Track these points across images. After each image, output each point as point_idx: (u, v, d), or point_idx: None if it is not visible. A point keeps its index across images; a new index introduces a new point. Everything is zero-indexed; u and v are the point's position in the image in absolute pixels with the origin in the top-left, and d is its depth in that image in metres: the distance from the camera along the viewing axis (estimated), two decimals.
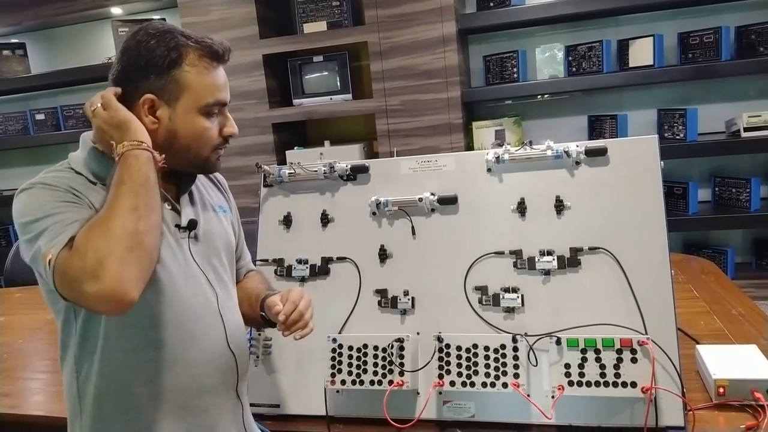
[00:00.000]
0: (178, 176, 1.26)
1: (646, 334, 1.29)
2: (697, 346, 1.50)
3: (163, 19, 4.17)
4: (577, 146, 1.42)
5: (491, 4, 3.53)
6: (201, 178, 1.34)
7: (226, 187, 1.46)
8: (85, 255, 0.98)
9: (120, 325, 1.14)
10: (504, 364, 1.32)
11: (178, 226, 1.22)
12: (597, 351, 1.28)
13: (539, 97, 3.71)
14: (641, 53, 3.35)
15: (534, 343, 1.33)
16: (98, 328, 1.14)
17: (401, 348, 1.38)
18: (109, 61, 4.21)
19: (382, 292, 1.49)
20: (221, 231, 1.34)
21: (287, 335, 1.27)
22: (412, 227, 1.51)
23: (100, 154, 1.17)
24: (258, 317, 1.36)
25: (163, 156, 1.14)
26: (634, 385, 1.24)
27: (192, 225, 1.24)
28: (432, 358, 1.37)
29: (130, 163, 1.07)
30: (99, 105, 1.14)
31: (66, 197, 1.09)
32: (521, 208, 1.44)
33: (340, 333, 1.47)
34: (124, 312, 1.01)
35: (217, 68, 1.21)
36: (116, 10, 4.21)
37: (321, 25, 3.68)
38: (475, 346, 1.35)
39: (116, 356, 1.15)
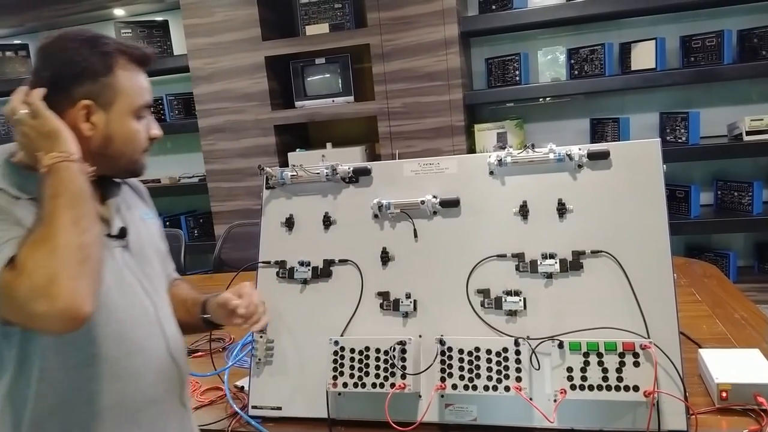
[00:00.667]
0: (101, 185, 1.23)
1: (649, 337, 1.29)
2: (700, 350, 1.50)
3: (166, 21, 4.18)
4: (580, 149, 1.42)
5: (493, 7, 3.53)
6: (122, 188, 1.31)
7: (147, 194, 1.43)
8: (33, 273, 0.95)
9: (59, 343, 1.09)
10: (506, 368, 1.32)
11: (108, 235, 1.19)
12: (599, 355, 1.27)
13: (541, 99, 3.72)
14: (643, 56, 3.35)
15: (536, 346, 1.33)
16: (36, 348, 1.09)
17: (403, 351, 1.38)
18: None
19: (384, 295, 1.49)
20: (150, 238, 1.32)
21: (246, 327, 1.33)
22: (414, 230, 1.51)
23: (18, 166, 1.12)
24: (198, 321, 1.37)
25: (94, 168, 1.13)
26: (636, 389, 1.24)
27: (123, 233, 1.21)
28: (434, 361, 1.36)
29: (64, 174, 1.04)
30: (25, 111, 1.09)
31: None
32: (523, 211, 1.44)
33: (342, 335, 1.47)
34: (78, 329, 0.98)
35: (142, 72, 1.21)
36: (119, 12, 4.23)
37: (323, 28, 3.68)
38: (478, 349, 1.35)
39: (56, 375, 1.10)
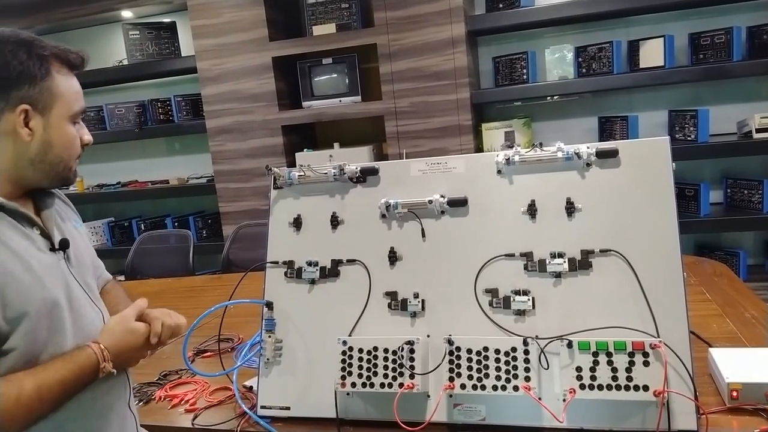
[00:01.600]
0: (34, 196, 1.21)
1: (658, 337, 1.28)
2: (710, 349, 1.49)
3: (173, 23, 4.20)
4: (588, 148, 1.41)
5: (500, 6, 3.53)
6: (54, 199, 1.28)
7: (67, 199, 1.39)
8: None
9: (25, 356, 1.09)
10: (515, 367, 1.32)
11: (51, 249, 1.18)
12: (609, 354, 1.27)
13: (549, 98, 3.71)
14: (652, 54, 3.34)
15: (545, 346, 1.33)
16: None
17: (411, 350, 1.38)
18: (121, 63, 4.26)
19: (392, 295, 1.49)
20: (85, 247, 1.32)
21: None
22: (422, 229, 1.51)
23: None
24: None
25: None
26: (646, 388, 1.23)
27: (64, 245, 1.20)
28: (442, 360, 1.36)
29: (89, 378, 1.12)
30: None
31: None
32: (531, 210, 1.43)
33: (350, 335, 1.47)
34: None
35: (74, 76, 1.19)
36: (127, 14, 4.25)
37: (330, 28, 3.69)
38: (486, 348, 1.34)
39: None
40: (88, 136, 1.22)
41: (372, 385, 1.38)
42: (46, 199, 1.23)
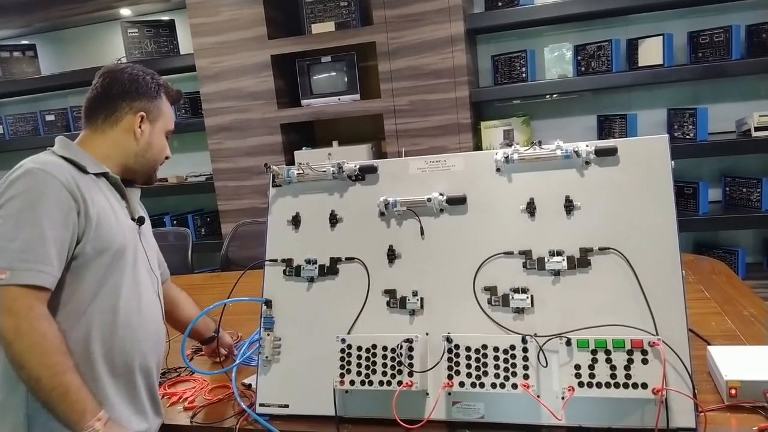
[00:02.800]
0: (126, 184, 1.52)
1: (657, 335, 1.28)
2: (709, 347, 1.49)
3: (172, 21, 4.20)
4: (587, 146, 1.41)
5: (499, 4, 3.53)
6: (138, 191, 1.59)
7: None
8: (38, 335, 1.21)
9: (95, 289, 1.34)
10: (514, 365, 1.32)
11: (132, 219, 1.48)
12: (607, 352, 1.27)
13: (548, 96, 3.70)
14: (651, 52, 3.34)
15: (544, 343, 1.33)
16: (83, 292, 1.33)
17: (410, 348, 1.38)
18: (119, 62, 4.25)
19: (390, 293, 1.49)
20: (151, 235, 1.60)
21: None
22: (421, 227, 1.51)
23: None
24: (201, 334, 1.77)
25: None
26: (644, 386, 1.23)
27: (141, 221, 1.51)
28: (441, 358, 1.36)
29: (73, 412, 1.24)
30: None
31: (62, 209, 1.28)
32: (530, 209, 1.43)
33: (349, 333, 1.47)
34: None
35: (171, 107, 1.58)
36: (125, 12, 4.24)
37: (329, 26, 3.68)
38: (485, 346, 1.34)
39: (82, 318, 1.32)
40: (169, 152, 1.58)
41: (371, 383, 1.38)
42: (135, 189, 1.56)
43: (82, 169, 1.38)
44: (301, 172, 1.61)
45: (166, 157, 1.57)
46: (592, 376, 1.26)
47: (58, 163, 1.35)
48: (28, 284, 1.21)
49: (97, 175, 1.41)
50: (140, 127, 1.48)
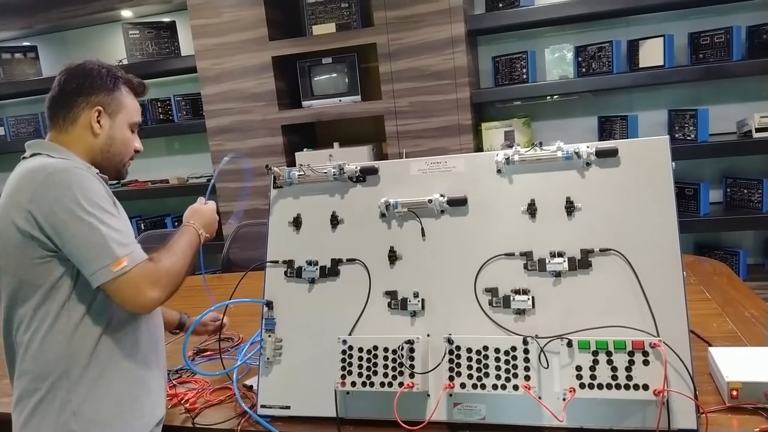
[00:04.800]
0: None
1: (658, 336, 1.28)
2: (710, 348, 1.49)
3: (173, 22, 4.20)
4: (588, 147, 1.41)
5: (500, 5, 3.52)
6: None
7: None
8: (170, 268, 1.38)
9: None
10: (515, 366, 1.32)
11: None
12: (608, 353, 1.27)
13: (549, 98, 3.70)
14: (651, 54, 3.34)
15: (545, 345, 1.33)
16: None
17: (411, 350, 1.38)
18: (120, 63, 4.25)
19: (392, 294, 1.49)
20: None
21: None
22: (422, 229, 1.51)
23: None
24: (171, 324, 1.84)
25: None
26: (646, 387, 1.23)
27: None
28: (442, 360, 1.36)
29: (194, 240, 1.52)
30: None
31: (109, 195, 1.40)
32: (531, 210, 1.43)
33: (350, 335, 1.47)
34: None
35: (137, 99, 1.57)
36: (126, 13, 4.24)
37: (330, 27, 3.68)
38: (486, 348, 1.34)
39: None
40: (139, 145, 1.57)
41: (372, 384, 1.38)
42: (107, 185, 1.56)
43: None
44: (302, 173, 1.61)
45: (137, 151, 1.56)
46: (593, 377, 1.26)
47: (76, 163, 1.39)
48: (145, 259, 1.35)
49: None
50: (98, 121, 1.46)
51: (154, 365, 1.49)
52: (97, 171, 1.45)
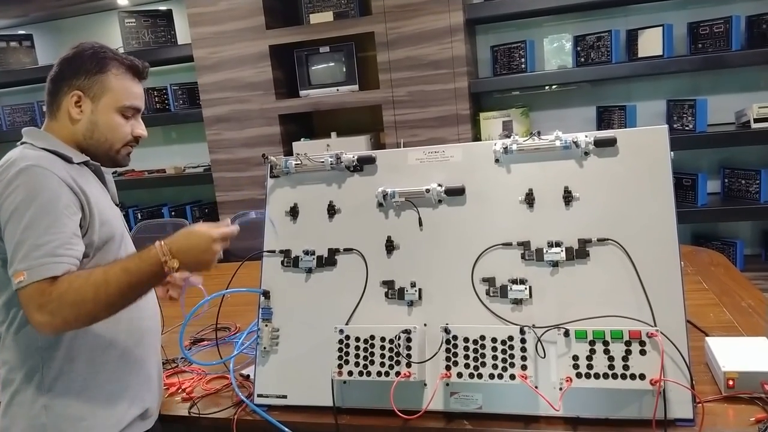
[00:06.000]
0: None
1: (655, 326, 1.28)
2: (707, 338, 1.49)
3: (170, 10, 4.17)
4: (586, 136, 1.40)
5: None
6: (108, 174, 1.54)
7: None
8: (65, 297, 1.21)
9: None
10: (512, 356, 1.32)
11: (116, 204, 1.48)
12: (605, 343, 1.27)
13: (547, 87, 3.69)
14: (650, 43, 3.32)
15: (542, 334, 1.33)
16: None
17: (408, 339, 1.38)
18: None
19: (389, 284, 1.49)
20: None
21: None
22: (419, 218, 1.50)
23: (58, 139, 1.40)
24: None
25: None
26: (642, 377, 1.23)
27: (121, 205, 1.51)
28: (439, 349, 1.36)
29: (156, 272, 1.28)
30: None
31: (66, 202, 1.27)
32: (529, 199, 1.43)
33: (347, 324, 1.47)
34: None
35: (137, 82, 1.46)
36: (123, 1, 4.21)
37: (327, 16, 3.66)
38: (483, 337, 1.34)
39: None
40: (141, 130, 1.47)
41: (369, 373, 1.38)
42: (108, 173, 1.50)
43: (68, 160, 1.36)
44: (299, 162, 1.60)
45: (138, 137, 1.47)
46: (590, 367, 1.26)
47: (48, 157, 1.32)
48: (45, 278, 1.21)
49: (79, 164, 1.39)
50: (77, 106, 1.39)
51: (135, 361, 1.43)
52: (88, 159, 1.41)
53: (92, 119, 1.41)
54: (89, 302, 1.22)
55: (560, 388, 1.27)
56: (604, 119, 3.54)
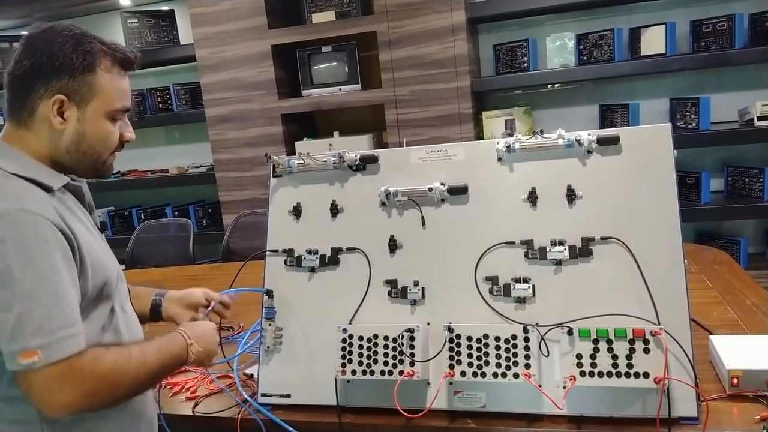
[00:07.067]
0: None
1: (659, 324, 1.28)
2: (711, 336, 1.49)
3: (172, 11, 4.17)
4: (589, 135, 1.40)
5: None
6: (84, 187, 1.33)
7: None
8: (98, 390, 1.06)
9: (103, 322, 1.21)
10: (515, 355, 1.32)
11: (98, 227, 1.29)
12: (609, 341, 1.27)
13: (550, 86, 3.69)
14: (653, 41, 3.32)
15: (545, 333, 1.33)
16: (94, 327, 1.19)
17: (412, 338, 1.38)
18: None
19: (392, 283, 1.49)
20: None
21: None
22: (422, 217, 1.50)
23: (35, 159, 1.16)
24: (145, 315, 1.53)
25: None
26: (646, 375, 1.23)
27: (104, 227, 1.31)
28: (442, 348, 1.36)
29: (182, 355, 1.23)
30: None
31: (62, 254, 1.07)
32: (532, 198, 1.43)
33: (350, 323, 1.47)
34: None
35: (125, 76, 1.22)
36: (125, 2, 4.23)
37: (329, 15, 3.66)
38: (486, 336, 1.34)
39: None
40: (129, 134, 1.25)
41: (372, 372, 1.38)
42: (82, 185, 1.27)
43: (48, 189, 1.13)
44: (301, 162, 1.60)
45: (125, 141, 1.24)
46: (593, 365, 1.26)
47: (29, 192, 1.09)
48: (71, 355, 1.04)
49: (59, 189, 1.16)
50: (60, 114, 1.13)
51: (134, 412, 1.27)
52: (68, 180, 1.19)
53: (78, 129, 1.16)
54: (130, 383, 1.11)
55: (564, 387, 1.27)
56: (606, 118, 3.54)
